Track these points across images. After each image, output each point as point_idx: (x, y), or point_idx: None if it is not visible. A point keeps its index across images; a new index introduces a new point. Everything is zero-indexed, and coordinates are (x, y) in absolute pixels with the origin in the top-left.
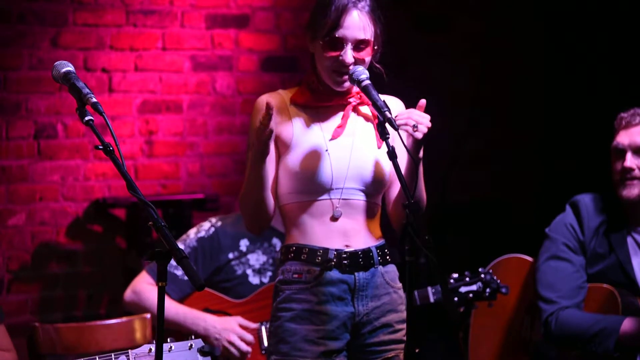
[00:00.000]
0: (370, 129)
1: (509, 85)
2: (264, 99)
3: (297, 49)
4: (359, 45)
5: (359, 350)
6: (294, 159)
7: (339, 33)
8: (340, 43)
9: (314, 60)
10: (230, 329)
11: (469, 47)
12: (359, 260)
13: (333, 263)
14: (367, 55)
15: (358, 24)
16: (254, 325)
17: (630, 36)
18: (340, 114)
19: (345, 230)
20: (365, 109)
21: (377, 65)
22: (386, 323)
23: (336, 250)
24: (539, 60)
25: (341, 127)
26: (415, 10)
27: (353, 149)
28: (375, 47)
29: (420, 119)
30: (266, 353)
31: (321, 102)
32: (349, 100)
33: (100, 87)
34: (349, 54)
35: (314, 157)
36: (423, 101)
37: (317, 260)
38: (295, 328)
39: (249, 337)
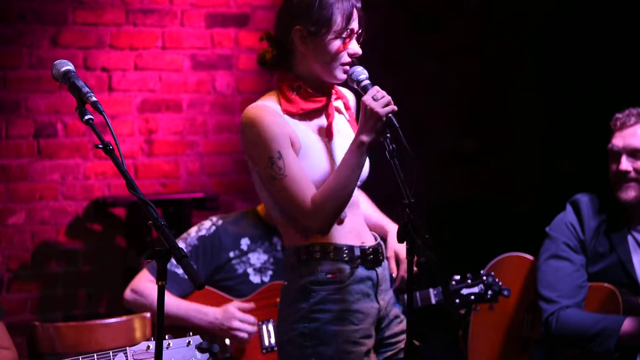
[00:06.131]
0: (344, 122)
1: (509, 85)
2: (261, 112)
3: None
4: (359, 36)
5: (378, 344)
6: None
7: (353, 25)
8: (350, 35)
9: (295, 60)
10: (231, 315)
11: (467, 47)
12: (379, 255)
13: (359, 260)
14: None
15: (357, 16)
16: (250, 306)
17: (631, 35)
18: (323, 113)
19: (356, 228)
20: (338, 103)
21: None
22: (396, 314)
23: (359, 247)
24: (538, 59)
25: (331, 126)
26: (412, 10)
27: (345, 148)
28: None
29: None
30: (267, 352)
31: (314, 106)
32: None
33: (100, 86)
34: (357, 46)
35: (321, 166)
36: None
37: (345, 259)
38: (337, 330)
39: (251, 318)
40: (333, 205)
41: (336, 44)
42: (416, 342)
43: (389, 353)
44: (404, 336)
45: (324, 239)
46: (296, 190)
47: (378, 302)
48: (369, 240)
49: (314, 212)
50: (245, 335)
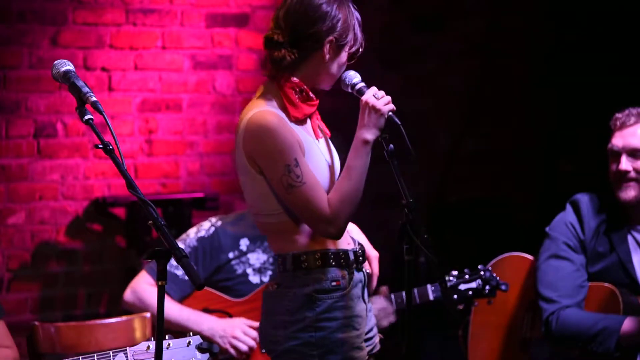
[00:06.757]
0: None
1: (509, 85)
2: (272, 118)
3: None
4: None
5: None
6: None
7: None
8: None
9: (307, 65)
10: (236, 325)
11: (467, 47)
12: (365, 256)
13: (354, 264)
14: None
15: None
16: (257, 324)
17: (632, 34)
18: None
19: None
20: None
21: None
22: (369, 309)
23: (351, 250)
24: (538, 59)
25: (317, 127)
26: (412, 10)
27: (332, 150)
28: None
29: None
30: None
31: (311, 110)
32: None
33: (99, 86)
34: None
35: (321, 167)
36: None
37: (343, 264)
38: (343, 337)
39: (254, 333)
40: (349, 208)
41: (344, 58)
42: (380, 336)
43: (367, 348)
44: (375, 331)
45: (321, 245)
46: (314, 197)
47: (365, 303)
48: (351, 242)
49: (333, 218)
50: (245, 347)
